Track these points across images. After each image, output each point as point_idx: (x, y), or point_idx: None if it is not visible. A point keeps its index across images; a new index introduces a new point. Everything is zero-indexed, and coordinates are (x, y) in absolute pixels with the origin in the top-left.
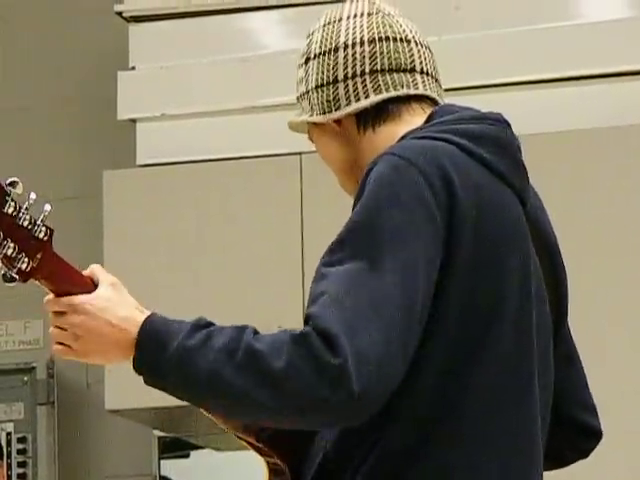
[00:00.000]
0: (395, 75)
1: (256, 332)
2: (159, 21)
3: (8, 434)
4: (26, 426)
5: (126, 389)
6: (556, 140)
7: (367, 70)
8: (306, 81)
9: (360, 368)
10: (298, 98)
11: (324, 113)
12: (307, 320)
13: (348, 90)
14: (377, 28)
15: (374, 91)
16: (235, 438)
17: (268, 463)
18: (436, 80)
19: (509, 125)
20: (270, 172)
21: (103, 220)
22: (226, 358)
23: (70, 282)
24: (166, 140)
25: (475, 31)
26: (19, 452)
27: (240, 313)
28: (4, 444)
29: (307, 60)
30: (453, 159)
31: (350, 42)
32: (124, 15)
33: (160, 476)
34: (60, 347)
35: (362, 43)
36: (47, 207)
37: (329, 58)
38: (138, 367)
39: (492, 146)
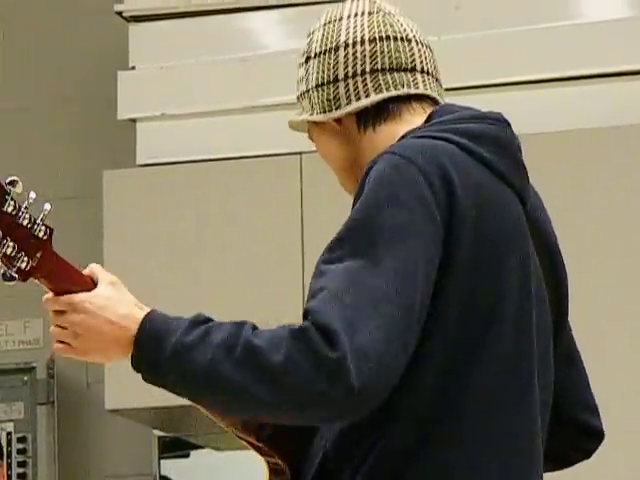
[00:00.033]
0: (396, 74)
1: (255, 328)
2: (159, 21)
3: (8, 434)
4: (26, 426)
5: (126, 389)
6: (556, 140)
7: (368, 69)
8: (306, 80)
9: (360, 364)
10: (298, 97)
11: (324, 112)
12: (306, 315)
13: (349, 89)
14: (378, 27)
15: (375, 90)
16: (235, 438)
17: (268, 463)
18: (436, 79)
19: (509, 124)
20: (270, 172)
21: (103, 220)
22: (225, 354)
23: (70, 281)
24: (166, 140)
25: (475, 31)
26: (19, 452)
27: (240, 313)
28: (4, 444)
29: (307, 59)
30: (453, 158)
31: (351, 41)
32: (124, 15)
33: (160, 476)
34: (60, 345)
35: (363, 42)
36: (47, 206)
37: (330, 57)
38: (137, 364)
39: (492, 145)
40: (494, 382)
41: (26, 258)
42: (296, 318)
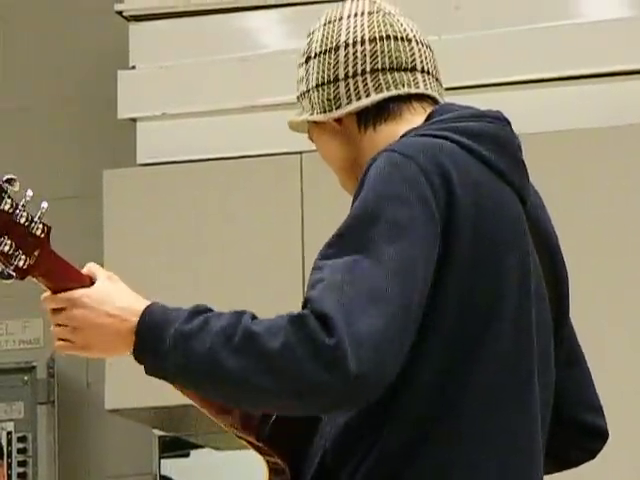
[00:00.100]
0: (396, 74)
1: (254, 317)
2: (159, 20)
3: (8, 433)
4: (26, 425)
5: (126, 388)
6: (556, 139)
7: (368, 69)
8: (307, 80)
9: (357, 351)
10: (298, 97)
11: (325, 112)
12: (305, 304)
13: (349, 89)
14: (378, 27)
15: (375, 90)
16: (235, 437)
17: (268, 462)
18: (437, 79)
19: (509, 123)
20: (270, 171)
21: (103, 219)
22: (223, 342)
23: (68, 279)
24: (166, 139)
25: (475, 30)
26: (19, 451)
27: None
28: (4, 443)
29: (308, 59)
30: (453, 157)
31: (351, 41)
32: (124, 14)
33: (160, 475)
34: (61, 343)
35: (363, 42)
36: (44, 204)
37: (330, 57)
38: (138, 355)
39: (491, 144)
40: (493, 381)
41: (24, 256)
42: None
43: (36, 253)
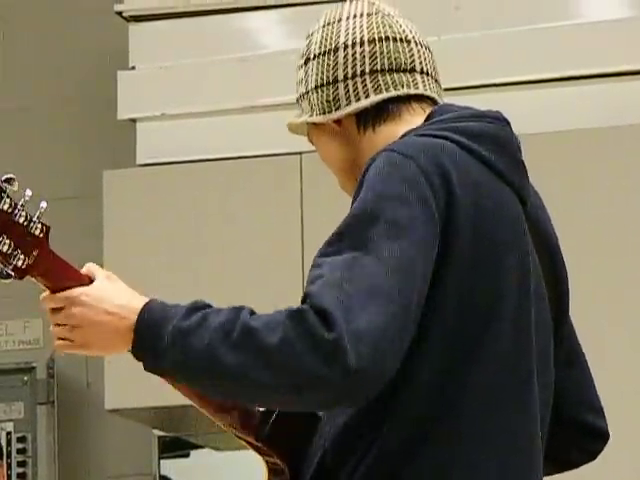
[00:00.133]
0: (395, 75)
1: (253, 312)
2: (159, 21)
3: (8, 434)
4: (26, 426)
5: (126, 389)
6: (556, 140)
7: (367, 70)
8: (306, 82)
9: (356, 347)
10: (298, 99)
11: (324, 113)
12: (304, 299)
13: (348, 90)
14: (377, 28)
15: (374, 91)
16: (235, 438)
17: (267, 462)
18: (436, 80)
19: (508, 123)
20: (270, 172)
21: (103, 220)
22: (222, 338)
23: (66, 279)
24: (166, 140)
25: (475, 31)
26: (19, 452)
27: None
28: (4, 444)
29: (307, 61)
30: (453, 157)
31: (350, 42)
32: (124, 15)
33: (160, 475)
34: (61, 342)
35: (362, 43)
36: (43, 204)
37: (329, 58)
38: (136, 353)
39: (491, 144)
40: (493, 381)
41: (22, 256)
42: None
43: (35, 253)
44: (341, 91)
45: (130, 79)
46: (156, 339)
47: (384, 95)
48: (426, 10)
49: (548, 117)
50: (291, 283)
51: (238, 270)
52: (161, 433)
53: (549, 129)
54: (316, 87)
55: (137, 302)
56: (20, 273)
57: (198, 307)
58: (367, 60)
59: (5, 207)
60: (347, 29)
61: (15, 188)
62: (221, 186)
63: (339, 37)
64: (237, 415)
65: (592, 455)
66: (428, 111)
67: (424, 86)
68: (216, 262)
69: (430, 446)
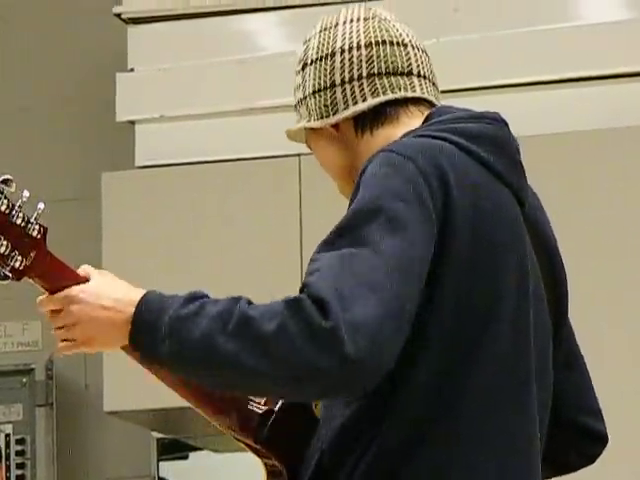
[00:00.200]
0: (392, 78)
1: (250, 302)
2: (157, 23)
3: (7, 436)
4: (25, 428)
5: (125, 391)
6: (554, 142)
7: (364, 74)
8: (303, 87)
9: (353, 336)
10: (295, 105)
11: (322, 118)
12: (302, 290)
13: (345, 94)
14: (374, 32)
15: (371, 94)
16: (233, 440)
17: (266, 465)
18: (433, 83)
19: (507, 124)
20: (268, 174)
21: (102, 221)
22: (219, 326)
23: (64, 280)
24: (165, 142)
25: (473, 33)
26: (18, 454)
27: None
28: (3, 446)
29: (304, 67)
30: (451, 158)
31: (347, 46)
32: (123, 17)
33: (159, 477)
34: (63, 344)
35: (359, 47)
36: (41, 205)
37: (326, 63)
38: (134, 342)
39: (490, 145)
40: (491, 382)
41: (20, 257)
42: None
43: (32, 254)
44: (338, 95)
45: (129, 81)
46: (153, 329)
47: (381, 98)
48: (425, 12)
49: (547, 119)
50: (289, 285)
51: (236, 272)
52: (160, 435)
53: (548, 131)
54: (314, 92)
55: (134, 295)
56: (18, 274)
57: (196, 297)
58: (364, 64)
59: (2, 208)
60: (344, 34)
61: (12, 189)
62: (220, 188)
63: (336, 42)
64: (235, 417)
65: (591, 458)
66: (426, 114)
67: (421, 89)
68: (214, 264)
69: (428, 447)
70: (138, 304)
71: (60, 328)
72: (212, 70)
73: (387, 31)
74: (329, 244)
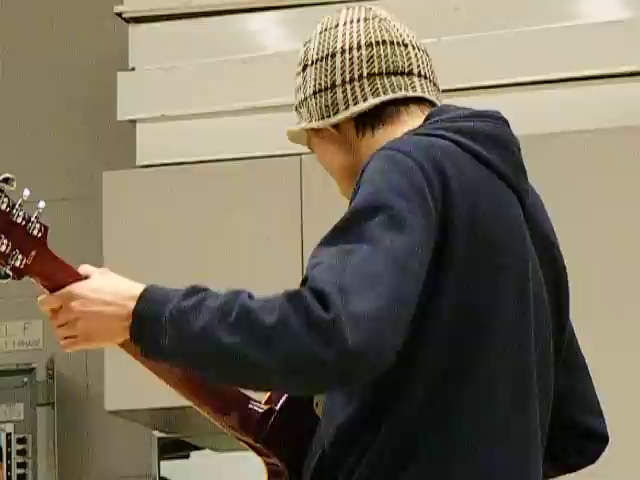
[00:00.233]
0: (393, 78)
1: (251, 295)
2: (159, 22)
3: (8, 435)
4: (26, 427)
5: (126, 390)
6: (556, 141)
7: (365, 74)
8: (304, 88)
9: (354, 328)
10: (296, 107)
11: (323, 118)
12: (303, 283)
13: (346, 94)
14: (374, 32)
15: (372, 94)
16: (234, 439)
17: (267, 464)
18: (434, 84)
19: (507, 123)
20: (270, 173)
21: (102, 221)
22: (220, 318)
23: (64, 279)
24: (166, 141)
25: (474, 32)
26: (19, 453)
27: None
28: (4, 445)
29: (304, 68)
30: (451, 156)
31: (347, 47)
32: (124, 16)
33: (160, 477)
34: (66, 341)
35: (359, 47)
36: (41, 204)
37: (326, 64)
38: (135, 336)
39: (490, 143)
40: (491, 382)
41: (20, 256)
42: None
43: (33, 253)
44: (339, 95)
45: (130, 80)
46: (154, 322)
47: (382, 98)
48: (426, 11)
49: (548, 118)
50: (290, 284)
51: (237, 272)
52: (161, 434)
53: (549, 130)
54: (314, 93)
55: (135, 289)
56: (18, 273)
57: (196, 290)
58: (364, 64)
59: (3, 207)
60: (344, 34)
61: (13, 188)
62: (221, 187)
63: (336, 42)
64: (236, 416)
65: (591, 459)
66: (427, 113)
67: (422, 88)
68: (216, 263)
69: (429, 447)
70: (139, 298)
71: (61, 326)
72: (214, 69)
73: (387, 31)
74: (330, 240)
